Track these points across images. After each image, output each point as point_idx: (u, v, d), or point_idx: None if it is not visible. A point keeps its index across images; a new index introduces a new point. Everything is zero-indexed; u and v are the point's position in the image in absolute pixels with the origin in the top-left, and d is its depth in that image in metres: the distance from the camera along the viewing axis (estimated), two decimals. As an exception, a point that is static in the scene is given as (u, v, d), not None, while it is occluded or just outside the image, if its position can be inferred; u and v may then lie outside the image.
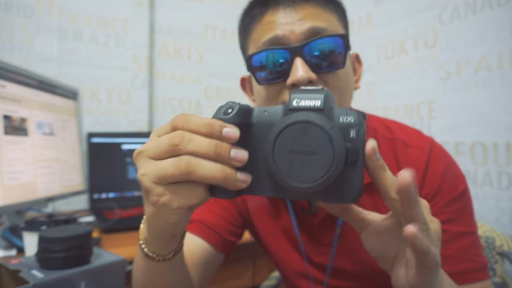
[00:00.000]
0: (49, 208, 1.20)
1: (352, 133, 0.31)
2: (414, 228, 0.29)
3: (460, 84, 1.12)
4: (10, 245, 0.83)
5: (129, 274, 0.52)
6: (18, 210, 0.94)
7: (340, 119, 0.31)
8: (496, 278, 0.87)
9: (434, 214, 0.54)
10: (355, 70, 0.61)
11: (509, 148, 1.00)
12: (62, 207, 1.33)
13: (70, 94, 1.19)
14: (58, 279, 0.43)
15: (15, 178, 0.87)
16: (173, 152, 0.31)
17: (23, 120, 0.92)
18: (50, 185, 1.01)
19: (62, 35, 1.39)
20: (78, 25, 1.41)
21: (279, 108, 0.33)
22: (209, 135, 0.31)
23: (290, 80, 0.50)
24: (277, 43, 0.52)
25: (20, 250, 0.82)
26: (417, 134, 0.62)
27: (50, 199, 1.01)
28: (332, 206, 0.36)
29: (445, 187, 0.55)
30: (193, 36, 1.66)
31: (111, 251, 0.53)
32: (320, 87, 0.33)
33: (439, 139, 1.16)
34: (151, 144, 0.33)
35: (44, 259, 0.46)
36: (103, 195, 1.27)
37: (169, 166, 0.31)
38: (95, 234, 0.98)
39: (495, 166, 1.03)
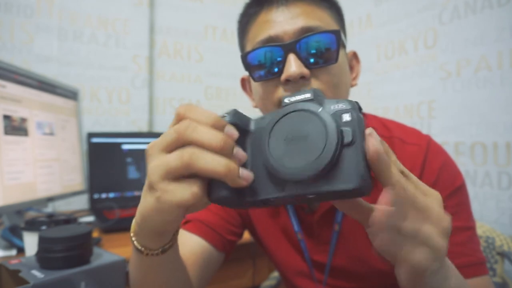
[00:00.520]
0: (49, 208, 1.20)
1: (345, 117, 0.30)
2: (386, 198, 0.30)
3: (460, 84, 1.12)
4: (10, 245, 0.83)
5: (129, 274, 0.52)
6: (18, 210, 0.94)
7: (332, 107, 0.31)
8: (496, 278, 0.87)
9: None
10: (352, 68, 0.61)
11: (509, 148, 1.00)
12: (62, 207, 1.33)
13: (70, 94, 1.19)
14: (58, 279, 0.43)
15: (15, 178, 0.87)
16: (179, 142, 0.31)
17: (23, 120, 0.92)
18: (50, 185, 1.01)
19: (62, 35, 1.39)
20: (78, 25, 1.41)
21: (274, 113, 0.34)
22: (213, 127, 0.32)
23: (283, 76, 0.51)
24: (271, 41, 0.53)
25: (20, 250, 0.82)
26: (415, 132, 0.62)
27: (50, 199, 1.01)
28: (341, 202, 0.34)
29: (441, 182, 0.56)
30: (193, 36, 1.66)
31: (111, 251, 0.53)
32: (309, 89, 0.33)
33: (439, 139, 1.16)
34: (161, 136, 0.33)
35: (44, 259, 0.46)
36: (103, 195, 1.27)
37: (173, 158, 0.31)
38: (95, 234, 0.98)
39: (495, 166, 1.03)
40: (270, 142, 0.32)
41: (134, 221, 0.40)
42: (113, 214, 1.08)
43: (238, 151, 0.32)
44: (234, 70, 1.72)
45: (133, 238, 0.41)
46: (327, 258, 0.61)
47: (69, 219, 0.72)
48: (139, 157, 1.36)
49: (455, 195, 0.55)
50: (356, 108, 0.31)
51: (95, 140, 1.30)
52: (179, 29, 1.63)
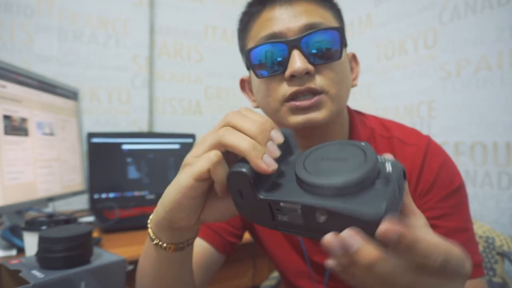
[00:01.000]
0: (49, 208, 1.20)
1: (388, 166, 0.30)
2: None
3: (460, 84, 1.12)
4: (10, 245, 0.83)
5: (129, 274, 0.52)
6: (18, 210, 0.95)
7: (378, 158, 0.31)
8: (496, 278, 0.87)
9: (428, 209, 0.54)
10: (352, 69, 0.62)
11: (509, 148, 1.00)
12: (62, 207, 1.33)
13: (70, 94, 1.19)
14: (58, 279, 0.43)
15: (15, 178, 0.87)
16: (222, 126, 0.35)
17: (23, 120, 0.92)
18: (50, 185, 1.01)
19: (62, 35, 1.39)
20: (78, 25, 1.41)
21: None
22: (259, 122, 0.33)
23: (288, 72, 0.51)
24: (275, 38, 0.53)
25: (20, 250, 0.82)
26: (414, 132, 0.62)
27: (50, 199, 1.01)
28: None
29: (440, 182, 0.56)
30: (193, 36, 1.66)
31: (111, 251, 0.53)
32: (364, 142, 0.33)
33: (439, 139, 1.16)
34: None
35: (44, 259, 0.46)
36: (103, 195, 1.27)
37: (211, 136, 0.35)
38: (95, 234, 0.98)
39: (495, 166, 1.03)
40: (307, 159, 0.32)
41: (154, 211, 0.41)
42: (113, 214, 1.08)
43: (273, 145, 0.32)
44: (234, 70, 1.72)
45: (149, 226, 0.42)
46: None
47: (69, 219, 0.72)
48: (139, 157, 1.36)
49: (453, 195, 0.55)
50: (401, 167, 0.30)
51: (95, 140, 1.30)
52: (179, 29, 1.63)
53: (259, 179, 0.32)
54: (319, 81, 0.52)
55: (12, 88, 0.90)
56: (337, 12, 0.59)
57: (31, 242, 0.70)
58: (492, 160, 1.04)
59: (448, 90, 1.15)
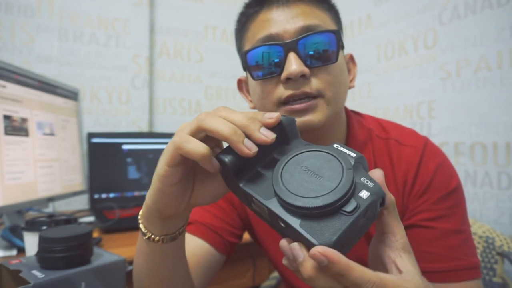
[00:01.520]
0: (50, 208, 1.20)
1: (364, 194, 0.30)
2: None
3: (460, 84, 1.12)
4: (10, 245, 0.83)
5: (129, 274, 0.52)
6: (19, 210, 0.95)
7: (362, 178, 0.31)
8: (496, 278, 0.87)
9: (424, 210, 0.55)
10: (349, 70, 0.62)
11: (509, 148, 1.01)
12: (62, 207, 1.33)
13: (71, 94, 1.19)
14: (59, 279, 0.43)
15: (16, 178, 0.87)
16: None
17: (23, 120, 0.93)
18: (51, 185, 1.01)
19: (62, 35, 1.39)
20: (78, 25, 1.41)
21: (317, 146, 0.35)
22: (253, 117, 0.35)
23: (284, 74, 0.51)
24: (271, 40, 0.53)
25: (21, 250, 0.82)
26: (412, 133, 0.62)
27: (51, 199, 1.01)
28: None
29: (436, 183, 0.55)
30: (193, 36, 1.66)
31: (111, 251, 0.53)
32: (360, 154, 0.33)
33: (439, 139, 1.16)
34: None
35: (45, 259, 0.46)
36: (103, 195, 1.27)
37: (192, 121, 0.35)
38: (96, 234, 0.98)
39: (495, 166, 1.03)
40: (288, 163, 0.33)
41: (144, 204, 0.42)
42: (113, 214, 1.08)
43: (266, 130, 0.34)
44: (234, 70, 1.73)
45: (140, 221, 0.43)
46: None
47: (70, 219, 0.72)
48: (139, 157, 1.36)
49: (449, 197, 0.55)
50: (379, 196, 0.30)
51: (95, 140, 1.30)
52: (179, 29, 1.63)
53: (243, 164, 0.34)
54: (315, 84, 0.52)
55: (13, 88, 0.90)
56: (334, 14, 0.59)
57: (31, 242, 0.70)
58: (492, 160, 1.04)
59: (448, 90, 1.15)
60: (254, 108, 0.62)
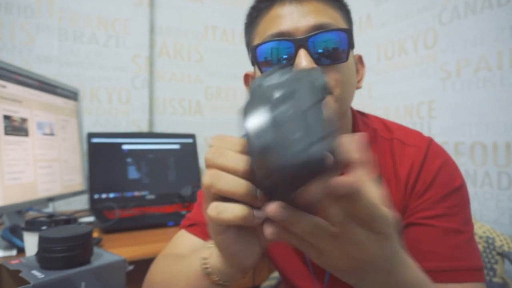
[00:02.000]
0: (50, 208, 1.20)
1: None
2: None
3: (460, 84, 1.12)
4: (10, 245, 0.83)
5: (129, 274, 0.52)
6: (19, 210, 0.95)
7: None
8: (496, 279, 0.87)
9: (426, 208, 0.54)
10: (357, 71, 0.62)
11: (509, 148, 1.00)
12: (62, 207, 1.33)
13: (71, 94, 1.19)
14: (59, 279, 0.43)
15: (16, 178, 0.87)
16: (208, 168, 0.33)
17: (23, 120, 0.92)
18: (51, 185, 1.01)
19: (62, 35, 1.39)
20: (78, 25, 1.41)
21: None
22: (239, 152, 0.32)
23: None
24: (282, 36, 0.53)
25: (21, 250, 0.82)
26: (416, 134, 0.62)
27: (51, 199, 1.01)
28: None
29: (439, 182, 0.55)
30: (193, 36, 1.66)
31: (111, 251, 0.53)
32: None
33: (439, 139, 1.16)
34: None
35: (45, 259, 0.46)
36: (103, 195, 1.27)
37: (203, 180, 0.33)
38: (96, 234, 0.98)
39: (495, 166, 1.03)
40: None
41: (210, 248, 0.41)
42: (113, 214, 1.08)
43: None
44: (234, 70, 1.73)
45: (208, 267, 0.41)
46: None
47: (70, 219, 0.72)
48: (139, 157, 1.36)
49: (452, 196, 0.54)
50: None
51: (95, 140, 1.30)
52: (179, 29, 1.63)
53: None
54: None
55: (13, 88, 0.90)
56: (346, 13, 0.59)
57: (31, 242, 0.70)
58: (492, 160, 1.04)
59: (448, 90, 1.15)
60: None
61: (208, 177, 0.32)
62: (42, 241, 0.47)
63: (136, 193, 1.33)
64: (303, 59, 0.50)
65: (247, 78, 0.67)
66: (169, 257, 0.58)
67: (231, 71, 1.73)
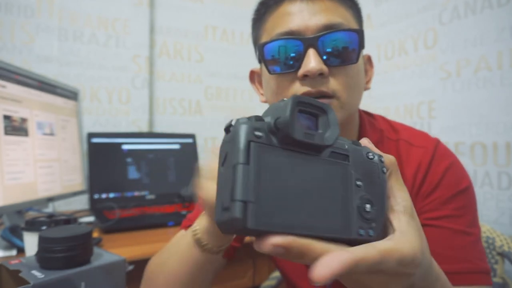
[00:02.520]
0: (49, 208, 1.20)
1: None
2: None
3: (460, 84, 1.12)
4: (10, 245, 0.83)
5: (129, 274, 0.52)
6: (19, 210, 0.94)
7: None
8: (496, 279, 0.87)
9: (432, 209, 0.53)
10: (366, 72, 0.60)
11: (509, 148, 1.00)
12: (62, 207, 1.33)
13: (71, 94, 1.19)
14: (58, 279, 0.43)
15: (16, 178, 0.87)
16: None
17: (23, 120, 0.92)
18: (51, 185, 1.01)
19: (62, 35, 1.39)
20: (78, 25, 1.41)
21: None
22: None
23: (301, 71, 0.49)
24: (291, 35, 0.51)
25: (20, 250, 0.82)
26: (423, 135, 0.61)
27: (51, 199, 1.01)
28: None
29: (445, 183, 0.54)
30: (193, 36, 1.66)
31: (111, 251, 0.53)
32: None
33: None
34: None
35: (44, 259, 0.46)
36: (103, 195, 1.27)
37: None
38: (96, 234, 0.98)
39: (495, 166, 1.03)
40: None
41: (203, 218, 0.44)
42: (113, 214, 1.08)
43: None
44: (234, 70, 1.72)
45: (197, 233, 0.44)
46: None
47: (69, 219, 0.72)
48: (139, 157, 1.36)
49: (458, 197, 0.53)
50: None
51: (95, 140, 1.30)
52: (179, 29, 1.63)
53: None
54: (331, 85, 0.50)
55: (12, 88, 0.90)
56: (357, 12, 0.57)
57: (31, 242, 0.70)
58: (492, 160, 1.04)
59: (448, 90, 1.15)
60: (265, 102, 0.60)
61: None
62: (42, 241, 0.47)
63: (136, 193, 1.33)
64: (312, 59, 0.48)
65: (252, 75, 0.65)
66: (162, 250, 0.59)
67: (231, 71, 1.73)
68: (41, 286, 0.41)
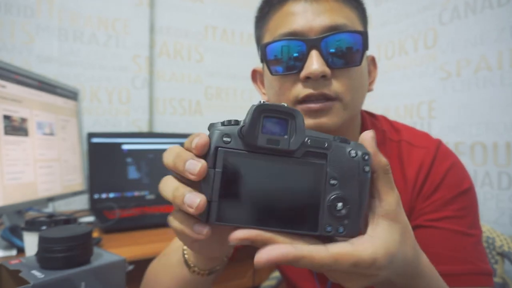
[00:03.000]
0: (49, 208, 1.20)
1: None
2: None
3: (460, 84, 1.12)
4: (10, 245, 0.83)
5: (129, 274, 0.52)
6: (19, 210, 0.94)
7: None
8: (496, 278, 0.87)
9: (433, 211, 0.53)
10: (370, 73, 0.60)
11: (509, 148, 1.00)
12: (62, 207, 1.33)
13: (71, 94, 1.19)
14: (58, 279, 0.43)
15: (16, 178, 0.87)
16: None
17: (23, 120, 0.92)
18: (51, 185, 1.01)
19: (62, 35, 1.39)
20: (78, 25, 1.41)
21: None
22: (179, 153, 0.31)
23: (304, 73, 0.49)
24: (294, 36, 0.51)
25: (20, 250, 0.82)
26: (424, 135, 0.61)
27: (51, 199, 1.01)
28: None
29: (447, 183, 0.54)
30: (193, 36, 1.66)
31: (111, 251, 0.53)
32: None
33: (439, 139, 1.16)
34: None
35: (44, 259, 0.46)
36: (103, 195, 1.27)
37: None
38: (95, 234, 0.98)
39: (495, 166, 1.03)
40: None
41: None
42: (113, 214, 1.08)
43: (192, 164, 0.29)
44: (234, 70, 1.72)
45: (185, 254, 0.43)
46: None
47: (69, 219, 0.72)
48: (139, 157, 1.36)
49: (459, 198, 0.53)
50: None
51: (95, 140, 1.30)
52: (179, 29, 1.63)
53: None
54: (334, 87, 0.50)
55: (12, 88, 0.90)
56: (362, 13, 0.56)
57: (31, 242, 0.70)
58: (492, 160, 1.04)
59: (448, 90, 1.15)
60: (267, 101, 0.60)
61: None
62: (42, 241, 0.47)
63: (136, 193, 1.33)
64: (315, 61, 0.48)
65: (254, 74, 0.65)
66: (162, 255, 0.58)
67: (231, 71, 1.73)
68: (41, 286, 0.41)
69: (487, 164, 1.05)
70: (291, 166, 0.29)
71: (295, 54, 0.50)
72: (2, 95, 0.86)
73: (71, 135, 1.17)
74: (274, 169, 0.28)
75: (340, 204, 0.29)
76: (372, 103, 1.42)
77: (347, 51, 0.50)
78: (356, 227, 0.29)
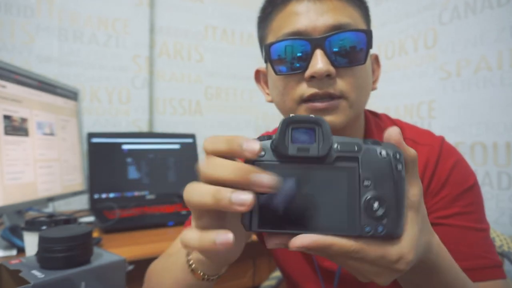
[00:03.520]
0: (49, 208, 1.20)
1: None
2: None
3: (460, 84, 1.12)
4: (10, 245, 0.83)
5: (129, 274, 0.52)
6: (19, 210, 0.95)
7: None
8: (496, 278, 0.87)
9: (441, 208, 0.53)
10: (373, 71, 0.60)
11: (509, 148, 1.00)
12: (62, 207, 1.33)
13: (71, 94, 1.19)
14: (59, 279, 0.43)
15: (16, 178, 0.87)
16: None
17: (23, 120, 0.92)
18: (51, 185, 1.01)
19: (62, 35, 1.39)
20: (78, 25, 1.41)
21: None
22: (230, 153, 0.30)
23: (308, 72, 0.49)
24: (298, 35, 0.51)
25: (21, 250, 0.82)
26: (428, 133, 0.61)
27: (51, 199, 1.01)
28: None
29: (452, 180, 0.54)
30: (193, 36, 1.66)
31: (111, 251, 0.53)
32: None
33: (439, 139, 1.16)
34: None
35: (45, 259, 0.46)
36: (103, 195, 1.27)
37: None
38: (96, 234, 0.98)
39: (495, 166, 1.03)
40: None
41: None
42: (113, 214, 1.08)
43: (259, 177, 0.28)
44: (234, 70, 1.72)
45: (191, 261, 0.42)
46: (336, 265, 0.60)
47: (69, 219, 0.72)
48: (139, 157, 1.36)
49: (467, 194, 0.54)
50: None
51: (95, 140, 1.30)
52: (179, 29, 1.63)
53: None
54: (339, 85, 0.50)
55: (12, 88, 0.90)
56: (365, 12, 0.57)
57: (31, 242, 0.70)
58: (492, 160, 1.04)
59: (448, 90, 1.15)
60: (271, 101, 0.60)
61: (186, 192, 0.31)
62: (42, 241, 0.47)
63: (136, 193, 1.33)
64: (319, 60, 0.48)
65: (258, 74, 0.65)
66: (164, 255, 0.58)
67: (231, 71, 1.73)
68: (41, 286, 0.41)
69: (487, 164, 1.05)
70: (324, 172, 0.30)
71: (299, 54, 0.50)
72: (2, 95, 0.86)
73: (71, 135, 1.17)
74: (308, 175, 0.30)
75: (376, 204, 0.29)
76: (372, 103, 1.42)
77: (351, 50, 0.50)
78: (397, 226, 0.29)
